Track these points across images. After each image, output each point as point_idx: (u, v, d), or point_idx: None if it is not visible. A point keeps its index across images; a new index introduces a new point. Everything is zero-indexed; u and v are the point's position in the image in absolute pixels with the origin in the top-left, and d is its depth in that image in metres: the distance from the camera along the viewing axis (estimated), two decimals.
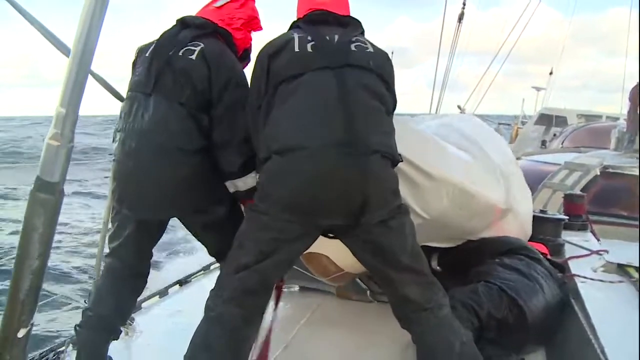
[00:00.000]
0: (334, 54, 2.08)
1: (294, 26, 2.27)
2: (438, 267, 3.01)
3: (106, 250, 2.52)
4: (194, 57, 2.22)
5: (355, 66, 2.07)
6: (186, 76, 2.20)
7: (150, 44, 2.34)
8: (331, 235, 2.12)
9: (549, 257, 3.16)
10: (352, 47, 2.11)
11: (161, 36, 2.34)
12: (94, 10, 1.33)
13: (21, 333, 1.45)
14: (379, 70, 2.11)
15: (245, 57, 2.50)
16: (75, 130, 1.37)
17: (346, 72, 2.04)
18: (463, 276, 2.79)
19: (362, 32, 2.27)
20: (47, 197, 1.38)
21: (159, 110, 2.18)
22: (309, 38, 2.13)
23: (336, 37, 2.13)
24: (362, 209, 1.94)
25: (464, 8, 11.92)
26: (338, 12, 2.24)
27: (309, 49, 2.10)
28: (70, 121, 1.35)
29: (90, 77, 1.49)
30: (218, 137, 2.23)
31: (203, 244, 2.51)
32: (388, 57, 2.21)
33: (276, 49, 2.14)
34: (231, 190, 2.29)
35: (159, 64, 2.23)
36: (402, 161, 2.14)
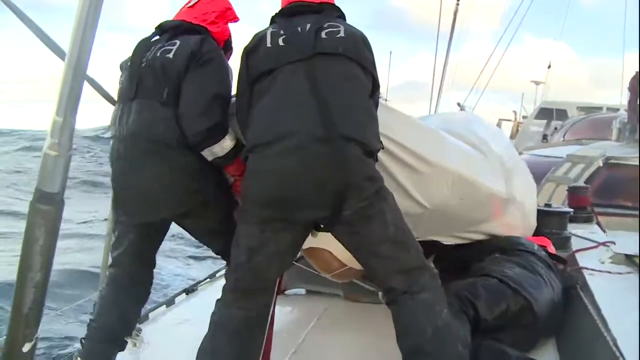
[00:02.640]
0: (302, 46, 2.07)
1: (272, 21, 2.27)
2: (435, 270, 2.98)
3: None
4: (171, 55, 2.25)
5: (326, 54, 2.06)
6: (165, 74, 2.23)
7: (129, 58, 2.38)
8: (321, 227, 2.12)
9: (550, 250, 3.13)
10: (323, 34, 2.10)
11: (139, 43, 2.38)
12: (88, 12, 1.32)
13: (26, 347, 1.43)
14: (350, 53, 2.09)
15: (227, 49, 2.51)
16: (73, 139, 1.35)
17: (316, 63, 2.04)
18: (460, 277, 2.77)
19: (340, 16, 2.25)
20: (47, 208, 1.36)
21: (142, 112, 2.22)
22: (282, 32, 2.13)
23: (308, 26, 2.12)
24: (339, 199, 1.93)
25: (458, 4, 11.97)
26: (314, 1, 2.22)
27: (281, 43, 2.10)
28: (67, 130, 1.33)
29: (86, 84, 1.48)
30: (181, 107, 2.21)
31: (206, 245, 2.51)
32: (362, 39, 2.18)
33: (253, 45, 2.16)
34: (210, 159, 2.24)
35: (138, 68, 2.27)
36: (383, 148, 2.13)
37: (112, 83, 2.50)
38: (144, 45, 2.35)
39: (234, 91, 2.31)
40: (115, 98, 2.44)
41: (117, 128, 2.28)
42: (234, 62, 2.39)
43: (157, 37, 2.38)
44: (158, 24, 2.43)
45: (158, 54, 2.27)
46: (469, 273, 2.76)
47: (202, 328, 2.12)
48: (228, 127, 2.24)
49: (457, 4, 11.97)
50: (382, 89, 2.37)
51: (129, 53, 2.41)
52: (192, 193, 2.27)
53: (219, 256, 2.55)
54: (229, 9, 2.49)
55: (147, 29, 2.50)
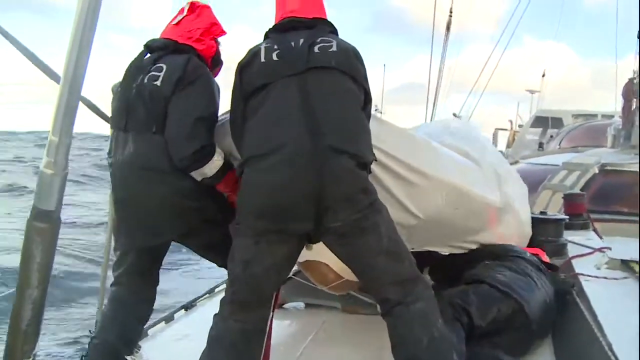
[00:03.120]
0: (296, 60, 2.10)
1: (265, 36, 2.30)
2: (428, 281, 2.97)
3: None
4: (159, 82, 2.26)
5: (318, 68, 2.09)
6: (153, 102, 2.24)
7: (120, 81, 2.40)
8: (315, 240, 2.12)
9: (543, 259, 3.14)
10: (316, 48, 2.13)
11: (128, 67, 2.39)
12: (82, 35, 1.35)
13: None
14: (342, 67, 2.12)
15: (215, 64, 2.53)
16: (69, 157, 1.37)
17: (309, 77, 2.07)
18: (454, 286, 2.78)
19: (333, 31, 2.29)
20: (44, 226, 1.38)
21: (136, 144, 2.25)
22: (275, 47, 2.16)
23: (301, 41, 2.15)
24: (329, 212, 1.95)
25: (450, 16, 12.05)
26: (307, 16, 2.26)
27: (275, 58, 2.13)
28: (63, 149, 1.36)
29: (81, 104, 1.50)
30: (166, 132, 2.23)
31: (210, 260, 2.54)
32: (354, 53, 2.21)
33: (247, 60, 2.19)
34: (199, 179, 2.26)
35: (128, 97, 2.29)
36: (375, 160, 2.15)
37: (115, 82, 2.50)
38: (133, 70, 2.36)
39: (222, 109, 2.35)
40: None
41: (115, 156, 2.32)
42: (225, 75, 2.42)
43: (146, 56, 2.39)
44: (145, 42, 2.45)
45: (146, 81, 2.27)
46: (460, 281, 2.77)
47: (201, 344, 2.12)
48: (215, 148, 2.26)
49: (450, 16, 12.04)
50: (377, 100, 2.41)
51: (132, 55, 2.45)
52: (193, 212, 2.29)
53: (225, 269, 2.57)
54: (215, 24, 2.47)
55: (151, 30, 2.52)
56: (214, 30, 2.48)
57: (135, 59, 2.41)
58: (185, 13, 2.44)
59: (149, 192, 2.25)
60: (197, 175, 2.24)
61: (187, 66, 2.27)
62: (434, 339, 2.02)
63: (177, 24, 2.44)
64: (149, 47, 2.42)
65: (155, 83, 2.25)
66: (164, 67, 2.28)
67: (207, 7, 2.48)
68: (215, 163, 2.24)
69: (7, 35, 2.05)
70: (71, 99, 1.36)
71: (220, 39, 2.54)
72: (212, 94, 2.34)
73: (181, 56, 2.32)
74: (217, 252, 2.43)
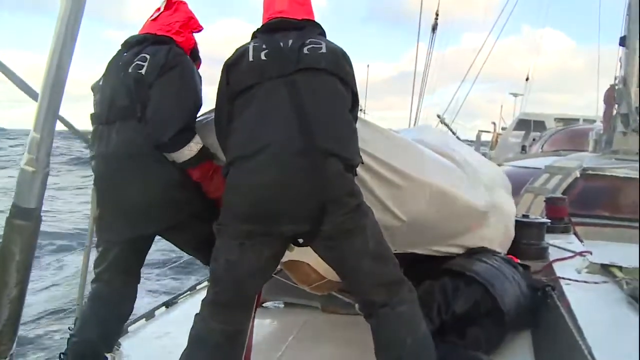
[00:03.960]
0: (285, 61, 2.09)
1: (253, 36, 2.29)
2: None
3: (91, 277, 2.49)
4: (143, 71, 2.26)
5: (307, 69, 2.08)
6: (137, 89, 2.24)
7: (100, 79, 2.39)
8: (300, 241, 2.09)
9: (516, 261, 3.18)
10: (305, 50, 2.12)
11: (109, 64, 2.39)
12: (65, 33, 1.32)
13: None
14: (331, 68, 2.12)
15: (194, 58, 2.52)
16: (50, 155, 1.35)
17: (298, 78, 2.06)
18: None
19: (321, 33, 2.28)
20: (24, 224, 1.35)
21: (120, 132, 2.23)
22: (264, 46, 2.14)
23: (290, 42, 2.14)
24: (318, 214, 1.94)
25: (436, 19, 12.11)
26: (296, 17, 2.25)
27: (263, 57, 2.11)
28: (45, 146, 1.33)
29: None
30: (148, 113, 2.22)
31: (193, 256, 2.52)
32: (343, 55, 2.21)
33: (234, 59, 2.17)
34: (171, 160, 2.25)
35: (112, 88, 2.29)
36: (362, 163, 2.15)
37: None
38: (114, 66, 2.36)
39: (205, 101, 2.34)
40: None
41: (97, 149, 2.29)
42: (209, 72, 2.41)
43: (125, 54, 2.38)
44: (123, 41, 2.44)
45: (130, 71, 2.27)
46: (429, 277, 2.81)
47: (182, 341, 2.10)
48: (194, 133, 2.25)
49: (436, 19, 12.09)
50: (361, 102, 2.40)
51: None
52: (182, 204, 2.27)
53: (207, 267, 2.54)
54: (192, 18, 2.49)
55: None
56: (192, 24, 2.49)
57: (115, 56, 2.40)
58: (162, 10, 2.46)
59: (135, 181, 2.22)
60: (169, 157, 2.23)
61: (168, 54, 2.29)
62: (417, 340, 2.04)
63: (154, 19, 2.45)
64: (128, 43, 2.41)
65: (139, 72, 2.26)
66: (148, 56, 2.29)
67: (184, 3, 2.50)
68: (193, 148, 2.22)
69: None
70: (54, 94, 1.33)
71: (198, 37, 2.55)
72: (194, 80, 2.35)
73: (163, 46, 2.33)
74: (201, 249, 2.39)
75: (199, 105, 2.33)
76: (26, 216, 1.35)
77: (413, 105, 12.12)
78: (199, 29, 2.53)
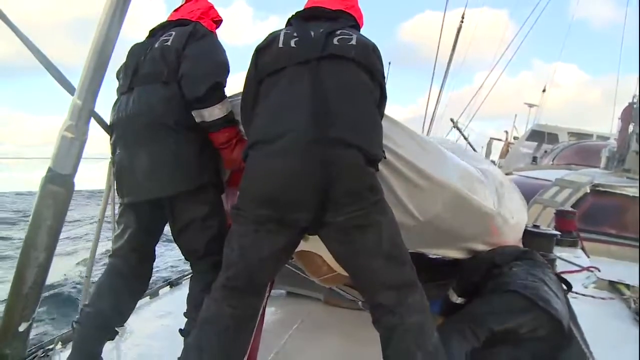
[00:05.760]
0: (312, 48, 2.08)
1: (288, 22, 2.29)
2: (459, 300, 2.85)
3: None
4: (169, 42, 2.35)
5: (335, 57, 2.06)
6: (163, 57, 2.31)
7: (124, 63, 2.46)
8: (312, 233, 2.06)
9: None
10: (335, 40, 2.11)
11: (132, 49, 2.47)
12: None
13: (22, 327, 1.43)
14: (360, 60, 2.09)
15: None
16: (89, 123, 1.35)
17: (324, 65, 2.04)
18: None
19: (354, 26, 2.27)
20: (58, 190, 1.36)
21: (142, 96, 2.27)
22: (295, 34, 2.14)
23: (320, 31, 2.14)
24: (332, 205, 1.91)
25: (462, 22, 12.06)
26: (331, 8, 2.26)
27: (293, 44, 2.11)
28: (85, 113, 1.34)
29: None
30: (183, 69, 2.28)
31: (187, 247, 2.41)
32: (374, 49, 2.18)
33: (265, 44, 2.17)
34: (198, 120, 2.27)
35: (136, 63, 2.35)
36: (385, 157, 2.11)
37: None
38: (138, 46, 2.44)
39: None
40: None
41: (116, 114, 2.30)
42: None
43: (150, 39, 2.47)
44: (150, 30, 2.53)
45: (156, 45, 2.36)
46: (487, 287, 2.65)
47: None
48: (225, 95, 2.30)
49: (449, 62, 12.12)
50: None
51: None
52: (197, 170, 2.28)
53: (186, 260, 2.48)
54: (211, 7, 2.59)
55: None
56: (212, 13, 2.59)
57: (140, 42, 2.49)
58: (183, 2, 2.61)
59: (153, 145, 2.23)
60: (197, 115, 2.25)
61: (194, 27, 2.40)
62: (428, 354, 1.96)
63: (176, 10, 2.60)
64: (153, 30, 2.51)
65: (166, 44, 2.35)
66: (173, 32, 2.39)
67: None
68: (224, 108, 2.27)
69: (27, 43, 1.94)
70: (99, 64, 1.34)
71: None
72: (222, 48, 2.43)
73: (187, 26, 2.42)
74: (193, 235, 2.35)
75: (228, 70, 2.37)
76: (61, 182, 1.36)
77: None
78: (218, 18, 2.60)
